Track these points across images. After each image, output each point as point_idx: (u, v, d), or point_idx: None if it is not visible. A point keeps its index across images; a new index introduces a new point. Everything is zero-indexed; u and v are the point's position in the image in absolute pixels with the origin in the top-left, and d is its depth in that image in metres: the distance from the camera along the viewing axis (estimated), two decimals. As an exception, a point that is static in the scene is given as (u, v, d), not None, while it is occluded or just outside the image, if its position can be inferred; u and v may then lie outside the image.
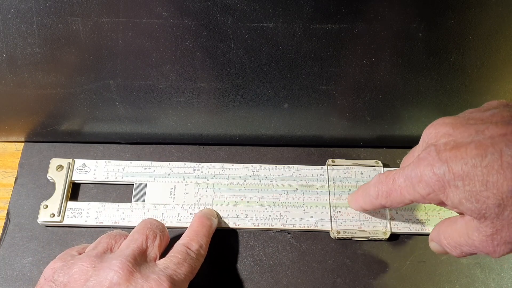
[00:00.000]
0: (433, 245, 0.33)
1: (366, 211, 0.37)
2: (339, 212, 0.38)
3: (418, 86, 0.36)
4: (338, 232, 0.37)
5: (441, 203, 0.27)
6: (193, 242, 0.33)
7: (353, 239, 0.38)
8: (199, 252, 0.32)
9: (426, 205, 0.38)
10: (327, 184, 0.39)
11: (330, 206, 0.38)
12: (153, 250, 0.31)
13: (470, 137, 0.25)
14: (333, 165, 0.40)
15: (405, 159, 0.32)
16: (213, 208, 0.38)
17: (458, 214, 0.29)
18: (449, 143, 0.26)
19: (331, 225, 0.38)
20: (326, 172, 0.40)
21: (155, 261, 0.30)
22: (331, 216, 0.38)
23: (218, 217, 0.38)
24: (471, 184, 0.24)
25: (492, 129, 0.25)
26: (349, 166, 0.40)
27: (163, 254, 0.32)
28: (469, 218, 0.27)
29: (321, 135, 0.41)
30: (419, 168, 0.27)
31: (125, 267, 0.28)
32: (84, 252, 0.32)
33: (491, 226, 0.25)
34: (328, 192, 0.39)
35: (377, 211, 0.38)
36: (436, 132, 0.27)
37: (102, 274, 0.27)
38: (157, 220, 0.34)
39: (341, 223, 0.38)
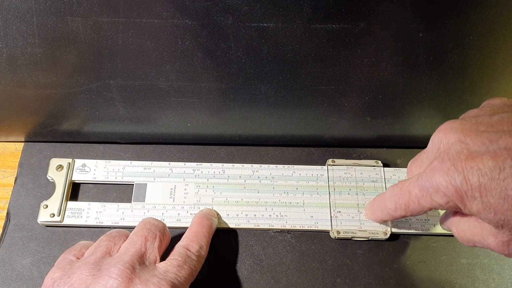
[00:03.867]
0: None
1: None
2: (339, 212, 0.38)
3: (418, 86, 0.36)
4: (338, 232, 0.37)
5: (459, 209, 0.27)
6: (193, 244, 0.33)
7: (353, 239, 0.38)
8: (200, 253, 0.32)
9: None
10: (327, 184, 0.39)
11: (330, 206, 0.38)
12: (153, 252, 0.31)
13: (484, 146, 0.25)
14: (333, 165, 0.40)
15: (412, 164, 0.31)
16: (213, 208, 0.38)
17: None
18: (463, 152, 0.25)
19: (331, 225, 0.38)
20: (326, 172, 0.40)
21: (155, 264, 0.30)
22: (331, 216, 0.38)
23: (218, 217, 0.38)
24: (489, 196, 0.24)
25: (506, 139, 0.24)
26: (349, 166, 0.40)
27: (164, 254, 0.32)
28: (485, 223, 0.27)
29: (321, 135, 0.41)
30: (434, 177, 0.26)
31: (124, 274, 0.28)
32: (81, 254, 0.32)
33: (508, 234, 0.25)
34: (328, 192, 0.39)
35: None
36: (446, 138, 0.27)
37: (102, 282, 0.28)
38: (156, 220, 0.33)
39: (341, 223, 0.38)
